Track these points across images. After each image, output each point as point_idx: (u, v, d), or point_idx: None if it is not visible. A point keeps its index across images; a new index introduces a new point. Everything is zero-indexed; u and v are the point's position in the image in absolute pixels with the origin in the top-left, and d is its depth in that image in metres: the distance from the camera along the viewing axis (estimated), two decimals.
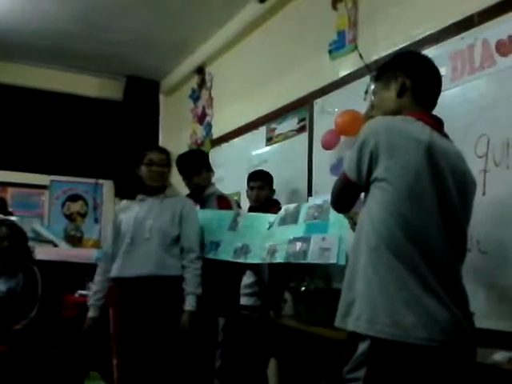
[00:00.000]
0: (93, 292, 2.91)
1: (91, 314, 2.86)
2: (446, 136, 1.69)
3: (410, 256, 1.50)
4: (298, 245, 2.58)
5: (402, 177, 1.52)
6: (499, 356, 1.86)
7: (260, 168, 3.70)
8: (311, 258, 2.50)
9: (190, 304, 2.72)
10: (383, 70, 1.76)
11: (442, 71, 2.47)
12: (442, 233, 1.54)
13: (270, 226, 2.88)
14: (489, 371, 1.81)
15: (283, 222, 2.83)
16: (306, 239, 2.58)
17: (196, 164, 3.29)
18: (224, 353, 3.13)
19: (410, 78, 1.68)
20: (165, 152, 2.93)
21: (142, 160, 2.86)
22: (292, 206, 2.87)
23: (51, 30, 4.84)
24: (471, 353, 1.58)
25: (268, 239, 2.81)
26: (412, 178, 1.52)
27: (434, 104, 1.74)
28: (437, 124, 1.66)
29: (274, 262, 2.71)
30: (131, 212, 2.86)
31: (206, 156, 3.59)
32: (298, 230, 2.68)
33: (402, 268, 1.49)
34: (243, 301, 3.28)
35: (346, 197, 1.74)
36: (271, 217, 2.95)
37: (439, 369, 1.49)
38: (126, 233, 2.79)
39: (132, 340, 2.75)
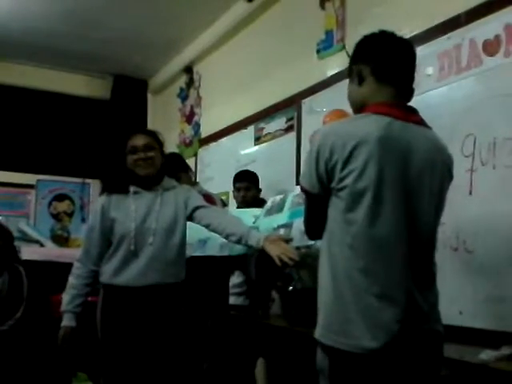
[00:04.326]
0: (70, 296, 2.46)
1: (68, 322, 2.44)
2: (421, 123, 1.59)
3: (367, 263, 1.46)
4: (282, 231, 2.56)
5: (357, 184, 1.46)
6: (486, 355, 1.86)
7: (248, 168, 3.69)
8: (294, 243, 2.50)
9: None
10: (350, 66, 1.70)
11: (429, 71, 2.54)
12: (404, 238, 1.48)
13: (256, 220, 2.88)
14: (476, 370, 1.82)
15: (269, 213, 2.81)
16: (288, 225, 2.57)
17: (172, 170, 3.20)
18: (211, 353, 3.11)
19: (369, 64, 1.60)
20: (150, 133, 2.57)
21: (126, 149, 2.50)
22: (279, 197, 2.85)
23: (38, 29, 4.79)
24: (434, 349, 1.54)
25: None
26: (367, 183, 1.46)
27: (405, 79, 1.61)
28: (401, 113, 1.55)
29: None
30: (126, 210, 2.46)
31: (180, 159, 3.49)
32: (282, 217, 2.66)
33: (360, 275, 1.45)
34: (232, 300, 3.27)
35: (315, 213, 1.61)
36: (257, 211, 2.93)
37: (394, 370, 1.46)
38: (125, 237, 2.42)
39: (123, 349, 2.40)
